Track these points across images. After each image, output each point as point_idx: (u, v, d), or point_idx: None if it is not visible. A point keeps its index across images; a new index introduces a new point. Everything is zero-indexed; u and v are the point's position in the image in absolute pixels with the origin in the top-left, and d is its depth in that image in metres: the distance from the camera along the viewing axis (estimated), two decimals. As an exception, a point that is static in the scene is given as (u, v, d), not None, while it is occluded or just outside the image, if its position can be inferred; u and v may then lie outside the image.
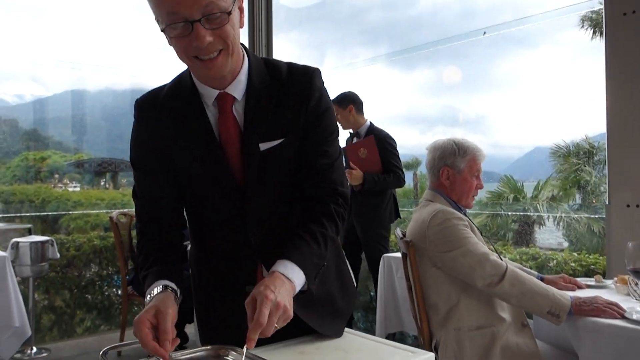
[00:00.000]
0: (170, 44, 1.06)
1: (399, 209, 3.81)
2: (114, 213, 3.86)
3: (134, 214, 3.73)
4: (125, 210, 4.01)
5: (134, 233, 3.94)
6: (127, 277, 3.75)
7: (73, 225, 8.60)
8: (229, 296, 1.22)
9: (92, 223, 8.43)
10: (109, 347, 1.02)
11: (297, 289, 1.04)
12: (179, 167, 1.18)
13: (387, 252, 3.53)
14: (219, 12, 0.98)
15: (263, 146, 1.12)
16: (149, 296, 1.06)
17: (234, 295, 1.17)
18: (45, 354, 3.80)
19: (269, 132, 1.12)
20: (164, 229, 1.21)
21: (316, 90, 1.14)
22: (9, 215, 7.21)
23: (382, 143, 3.66)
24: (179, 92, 1.17)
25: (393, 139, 3.76)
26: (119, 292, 4.52)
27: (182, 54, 1.04)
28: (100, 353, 0.99)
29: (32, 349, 3.78)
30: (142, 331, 0.95)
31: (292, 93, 1.13)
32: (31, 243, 3.71)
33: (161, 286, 1.07)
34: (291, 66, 1.17)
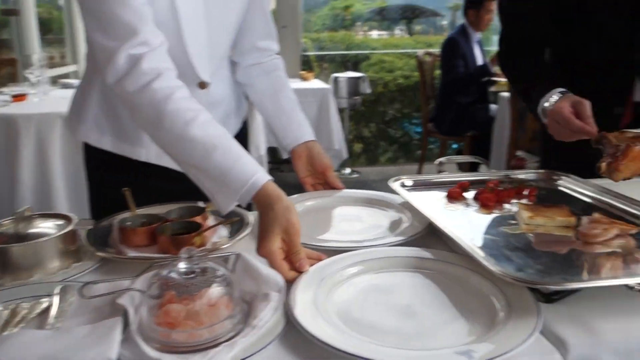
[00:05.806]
0: None
1: None
2: (420, 52, 3.96)
3: (439, 54, 3.78)
4: (431, 50, 4.06)
5: (436, 73, 4.02)
6: (429, 115, 3.93)
7: (370, 71, 9.21)
8: None
9: (387, 69, 8.88)
10: None
11: None
12: None
13: None
14: None
15: None
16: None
17: None
18: (356, 175, 4.42)
19: None
20: None
21: None
22: (321, 53, 8.08)
23: None
24: None
25: None
26: (418, 129, 4.82)
27: None
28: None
29: (346, 169, 4.43)
30: None
31: None
32: (348, 78, 4.16)
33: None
34: None
